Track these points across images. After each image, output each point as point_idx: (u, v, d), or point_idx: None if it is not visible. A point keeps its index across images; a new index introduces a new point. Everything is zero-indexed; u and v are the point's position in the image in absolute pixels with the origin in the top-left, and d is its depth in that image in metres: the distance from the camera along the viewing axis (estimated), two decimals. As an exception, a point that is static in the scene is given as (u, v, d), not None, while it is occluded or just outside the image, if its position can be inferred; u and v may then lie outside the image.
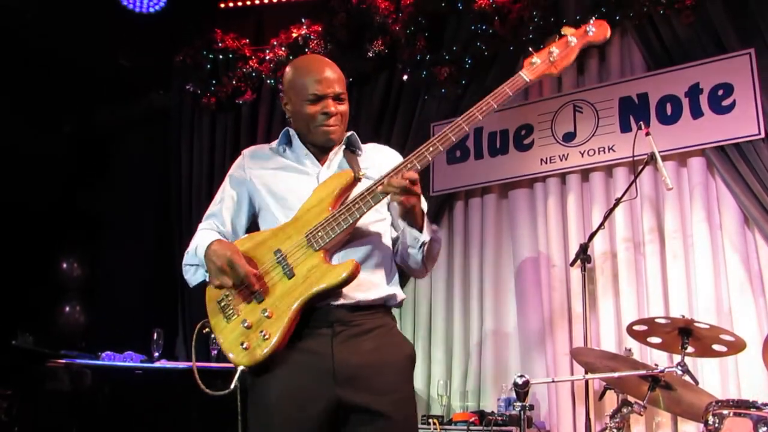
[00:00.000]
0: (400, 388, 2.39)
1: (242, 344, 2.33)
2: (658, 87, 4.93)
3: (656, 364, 3.72)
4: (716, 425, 3.10)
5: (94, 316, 6.92)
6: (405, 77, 5.93)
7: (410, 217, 2.41)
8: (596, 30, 2.43)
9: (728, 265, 4.58)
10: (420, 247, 2.46)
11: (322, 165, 2.58)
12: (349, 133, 2.64)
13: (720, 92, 4.68)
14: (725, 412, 3.13)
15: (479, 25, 5.48)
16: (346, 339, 2.35)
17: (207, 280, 2.50)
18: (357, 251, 2.44)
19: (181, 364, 4.88)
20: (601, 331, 4.87)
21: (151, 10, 6.11)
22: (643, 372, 3.53)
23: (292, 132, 2.64)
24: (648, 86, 4.98)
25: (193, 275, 2.59)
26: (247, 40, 6.70)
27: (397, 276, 2.57)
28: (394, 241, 2.60)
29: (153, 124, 7.26)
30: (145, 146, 7.24)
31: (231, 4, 6.83)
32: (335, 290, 2.33)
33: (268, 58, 6.45)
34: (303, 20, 6.26)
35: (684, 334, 3.63)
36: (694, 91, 4.77)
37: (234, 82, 6.61)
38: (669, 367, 3.52)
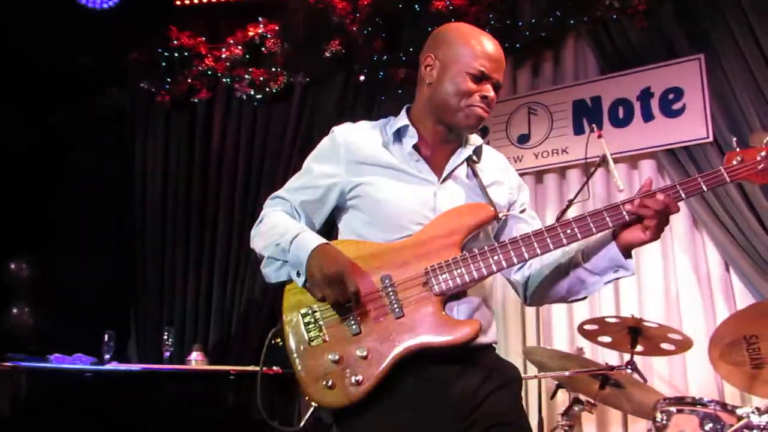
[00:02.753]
0: (517, 406, 2.14)
1: (327, 382, 1.96)
2: (610, 90, 5.01)
3: (607, 363, 3.77)
4: (664, 422, 3.16)
5: (45, 318, 6.77)
6: (362, 78, 5.93)
7: (635, 245, 2.02)
8: None
9: (677, 265, 4.67)
10: (609, 281, 2.10)
11: (440, 174, 2.16)
12: (480, 139, 2.30)
13: (670, 96, 4.77)
14: (672, 409, 3.20)
15: (435, 27, 5.48)
16: (459, 372, 2.02)
17: (293, 280, 2.08)
18: (475, 297, 2.10)
19: (133, 366, 4.80)
20: (553, 330, 4.92)
21: (105, 6, 6.02)
22: (593, 370, 3.57)
23: (406, 119, 2.21)
24: (601, 90, 5.05)
25: (276, 271, 2.12)
26: (203, 39, 6.63)
27: None
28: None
29: (108, 123, 7.15)
30: (101, 145, 7.12)
31: (187, 2, 6.75)
32: (449, 349, 1.97)
33: (224, 56, 6.39)
34: (260, 19, 6.22)
35: (633, 333, 3.69)
36: (645, 95, 4.86)
37: (189, 81, 6.54)
38: (619, 366, 3.58)
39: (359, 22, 5.77)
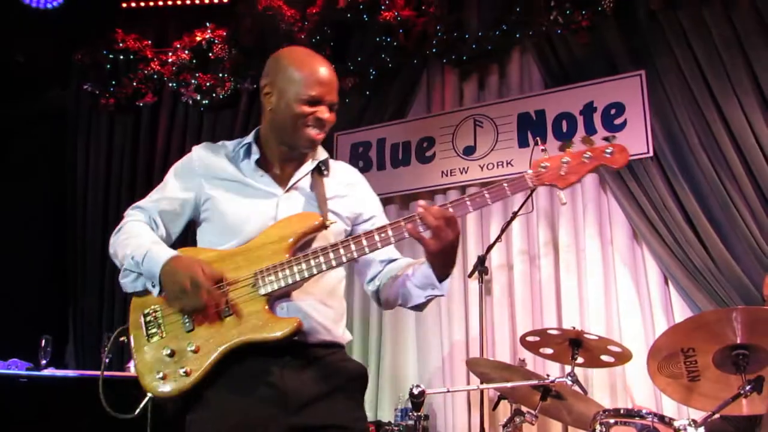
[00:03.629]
0: (354, 409, 2.27)
1: (158, 372, 2.15)
2: (554, 104, 5.08)
3: (548, 375, 3.82)
4: (603, 433, 3.20)
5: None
6: (310, 86, 5.90)
7: (441, 258, 2.16)
8: (615, 154, 2.18)
9: (618, 278, 4.75)
10: (427, 296, 2.27)
11: (284, 186, 2.33)
12: (325, 153, 2.42)
13: (612, 111, 4.87)
14: (611, 421, 3.24)
15: (384, 37, 5.53)
16: (296, 368, 2.18)
17: (148, 290, 2.24)
18: (307, 299, 2.23)
19: (70, 372, 4.71)
20: (496, 341, 4.97)
21: (49, 6, 5.90)
22: (535, 382, 3.61)
23: (254, 143, 2.37)
24: (545, 103, 5.13)
25: (132, 282, 2.28)
26: (150, 42, 6.56)
27: (345, 318, 2.38)
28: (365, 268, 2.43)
29: (49, 124, 7.00)
30: (40, 146, 6.97)
31: (134, 5, 6.66)
32: (271, 344, 2.14)
33: (170, 60, 6.33)
34: (207, 24, 6.17)
35: (574, 345, 3.74)
36: (588, 110, 4.95)
37: (135, 84, 6.45)
38: (559, 378, 3.61)
39: (307, 30, 5.77)
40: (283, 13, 5.80)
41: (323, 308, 2.26)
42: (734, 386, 3.00)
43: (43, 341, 4.85)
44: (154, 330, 2.22)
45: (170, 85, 6.36)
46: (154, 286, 2.20)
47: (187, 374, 2.13)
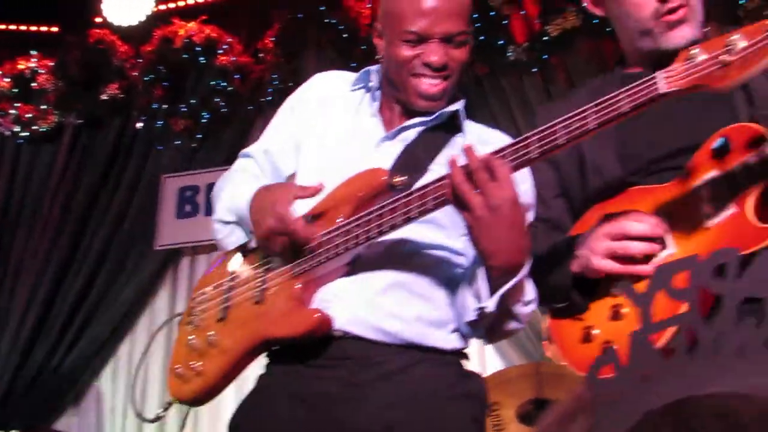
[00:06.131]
0: None
1: (177, 369, 1.76)
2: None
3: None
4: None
5: None
6: (139, 125, 5.72)
7: (486, 243, 1.49)
8: None
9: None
10: (478, 312, 1.59)
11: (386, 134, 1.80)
12: (457, 104, 1.82)
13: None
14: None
15: (219, 81, 5.46)
16: (356, 386, 1.63)
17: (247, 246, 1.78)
18: (374, 279, 1.67)
19: None
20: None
21: None
22: None
23: (374, 73, 1.87)
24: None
25: (228, 237, 1.84)
26: (-35, 66, 6.14)
27: (449, 320, 1.72)
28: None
29: None
30: None
31: (-48, 27, 6.25)
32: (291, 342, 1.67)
33: (-12, 88, 5.94)
34: (33, 52, 5.86)
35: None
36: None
37: (-54, 111, 6.00)
38: None
39: (141, 67, 5.60)
40: (116, 48, 5.62)
41: (402, 295, 1.68)
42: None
43: None
44: (197, 312, 1.82)
45: (-13, 112, 5.96)
46: (251, 233, 1.73)
47: (198, 374, 1.71)
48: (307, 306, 1.66)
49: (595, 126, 1.40)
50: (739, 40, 1.22)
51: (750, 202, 1.43)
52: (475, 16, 4.72)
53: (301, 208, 1.69)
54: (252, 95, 5.47)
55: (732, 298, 0.81)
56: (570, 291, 1.65)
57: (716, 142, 1.51)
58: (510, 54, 4.86)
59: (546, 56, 4.80)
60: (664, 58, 1.62)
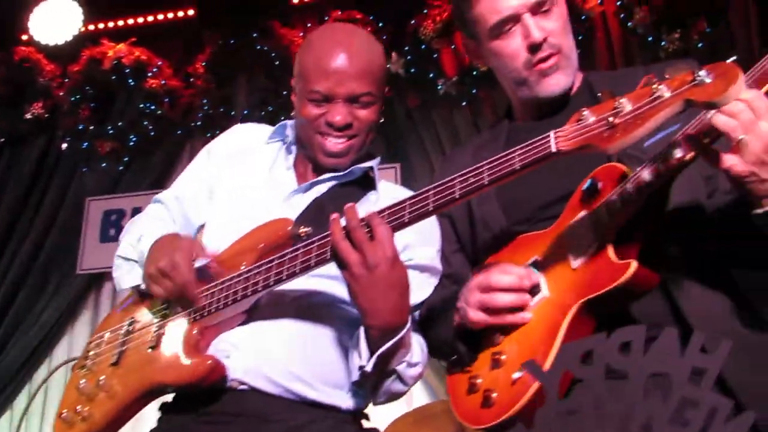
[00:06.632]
0: None
1: (63, 413, 1.71)
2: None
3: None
4: None
5: None
6: (64, 146, 5.59)
7: (364, 301, 1.51)
8: (714, 79, 1.20)
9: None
10: (360, 371, 1.59)
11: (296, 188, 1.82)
12: (370, 162, 1.86)
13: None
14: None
15: (148, 105, 5.37)
16: None
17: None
18: (273, 331, 1.65)
19: None
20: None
21: None
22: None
23: (290, 128, 1.89)
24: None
25: (125, 275, 1.82)
26: None
27: (345, 375, 1.72)
28: None
29: None
30: None
31: None
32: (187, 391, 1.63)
33: None
34: (-47, 69, 5.69)
35: None
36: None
37: None
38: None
39: (67, 87, 5.47)
40: (42, 67, 5.48)
41: (307, 345, 1.67)
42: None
43: None
44: (92, 356, 1.79)
45: None
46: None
47: (83, 419, 1.67)
48: (202, 353, 1.64)
49: (488, 182, 1.43)
50: (626, 104, 1.26)
51: (611, 238, 1.46)
52: (406, 48, 4.83)
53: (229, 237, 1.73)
54: (181, 119, 5.40)
55: (638, 374, 0.84)
56: (454, 343, 1.66)
57: (586, 183, 1.55)
58: (440, 87, 4.91)
59: (475, 90, 4.87)
60: (544, 107, 1.72)
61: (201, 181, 1.95)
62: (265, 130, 1.99)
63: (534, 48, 1.72)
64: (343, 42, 1.75)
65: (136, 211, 5.42)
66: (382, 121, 1.89)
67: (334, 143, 1.76)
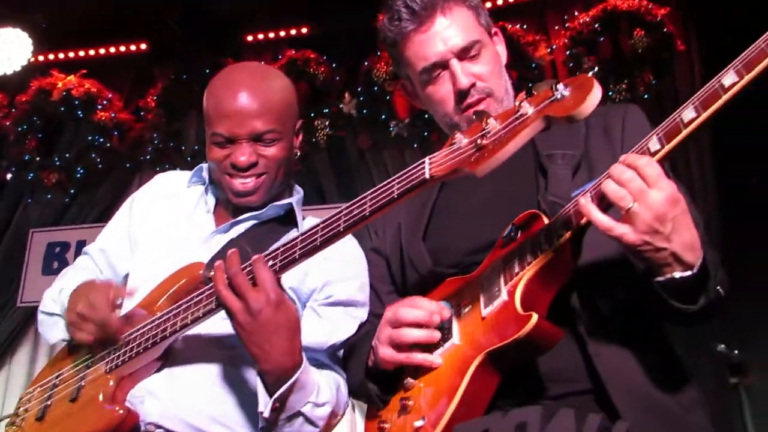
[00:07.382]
0: None
1: None
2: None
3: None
4: None
5: None
6: (9, 176, 5.49)
7: (249, 354, 1.50)
8: (572, 92, 1.20)
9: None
10: (260, 417, 1.55)
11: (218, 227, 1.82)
12: (290, 198, 1.85)
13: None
14: None
15: (96, 137, 5.31)
16: None
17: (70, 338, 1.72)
18: (187, 375, 1.65)
19: None
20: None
21: None
22: None
23: (206, 168, 1.90)
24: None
25: (50, 329, 1.81)
26: None
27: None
28: None
29: None
30: None
31: None
32: None
33: None
34: None
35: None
36: (296, 234, 5.01)
37: None
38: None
39: (14, 117, 5.39)
40: (-12, 96, 5.41)
41: (214, 390, 1.67)
42: None
43: None
44: (21, 413, 1.77)
45: None
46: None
47: None
48: (120, 403, 1.63)
49: (369, 213, 1.40)
50: (494, 124, 1.26)
51: (519, 288, 1.41)
52: (359, 89, 4.85)
53: (128, 303, 1.71)
54: (130, 153, 5.34)
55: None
56: (364, 385, 1.62)
57: (506, 230, 1.53)
58: (392, 129, 4.94)
59: (426, 132, 4.90)
60: None
61: (124, 229, 1.95)
62: (187, 175, 1.99)
63: (462, 95, 1.71)
64: (241, 82, 1.74)
65: (81, 243, 5.31)
66: (299, 155, 1.90)
67: (242, 183, 1.75)
